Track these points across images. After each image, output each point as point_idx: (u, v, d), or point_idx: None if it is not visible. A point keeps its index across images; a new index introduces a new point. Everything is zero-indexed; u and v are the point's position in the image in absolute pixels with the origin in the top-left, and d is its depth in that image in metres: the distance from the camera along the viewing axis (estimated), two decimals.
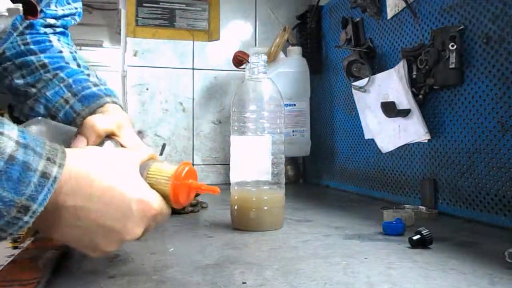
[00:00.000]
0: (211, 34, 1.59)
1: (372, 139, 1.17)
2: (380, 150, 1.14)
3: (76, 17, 0.81)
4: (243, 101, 0.77)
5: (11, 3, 0.60)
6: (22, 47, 0.72)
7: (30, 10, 0.64)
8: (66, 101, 0.67)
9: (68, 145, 0.56)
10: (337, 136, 1.40)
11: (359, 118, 1.22)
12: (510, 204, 0.76)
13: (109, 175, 0.44)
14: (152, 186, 0.48)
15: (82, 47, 3.76)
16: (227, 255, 0.59)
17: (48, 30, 0.76)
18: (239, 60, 1.45)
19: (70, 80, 0.69)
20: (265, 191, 0.76)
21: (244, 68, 1.46)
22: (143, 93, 1.52)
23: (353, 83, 1.21)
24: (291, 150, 1.43)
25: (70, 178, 0.41)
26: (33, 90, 0.69)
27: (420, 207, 0.93)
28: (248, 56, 1.43)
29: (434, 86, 0.92)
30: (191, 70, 1.58)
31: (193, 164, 1.53)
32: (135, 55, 1.52)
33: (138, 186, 0.46)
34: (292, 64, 1.46)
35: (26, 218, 0.38)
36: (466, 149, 0.87)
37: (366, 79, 1.15)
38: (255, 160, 0.76)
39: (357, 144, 1.27)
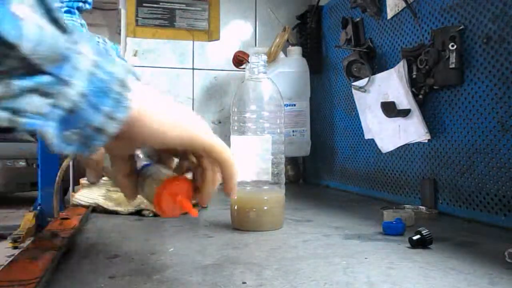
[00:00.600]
0: (211, 34, 1.60)
1: (372, 139, 1.16)
2: (380, 150, 1.14)
3: (86, 5, 0.81)
4: (243, 101, 0.77)
5: None
6: None
7: None
8: None
9: None
10: (337, 136, 1.40)
11: (359, 118, 1.22)
12: (510, 204, 0.76)
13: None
14: (149, 177, 0.46)
15: None
16: (227, 255, 0.59)
17: None
18: (239, 60, 1.45)
19: None
20: (265, 191, 0.76)
21: (244, 68, 1.46)
22: None
23: (353, 83, 1.21)
24: (291, 150, 1.43)
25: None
26: None
27: (420, 207, 0.94)
28: (248, 56, 1.43)
29: (434, 86, 0.92)
30: (191, 70, 1.58)
31: None
32: (135, 55, 1.52)
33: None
34: (292, 64, 1.46)
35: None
36: (466, 149, 0.86)
37: (366, 79, 1.15)
38: (255, 160, 0.76)
39: (357, 144, 1.27)
